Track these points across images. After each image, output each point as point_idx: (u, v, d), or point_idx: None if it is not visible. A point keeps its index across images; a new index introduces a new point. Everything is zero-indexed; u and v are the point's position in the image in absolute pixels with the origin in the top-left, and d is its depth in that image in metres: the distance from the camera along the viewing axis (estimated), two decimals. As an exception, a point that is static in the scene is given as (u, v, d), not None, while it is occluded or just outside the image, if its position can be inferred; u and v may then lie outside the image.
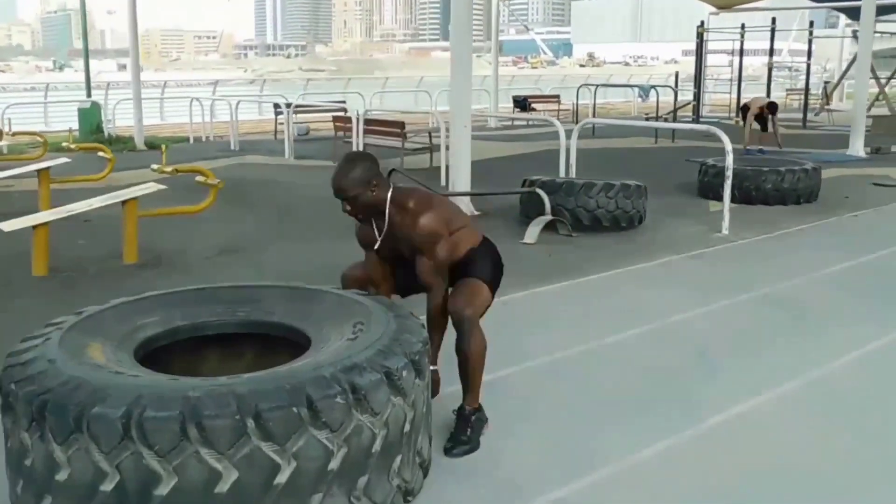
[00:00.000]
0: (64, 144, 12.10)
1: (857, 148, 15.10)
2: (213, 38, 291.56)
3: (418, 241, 3.84)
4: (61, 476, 2.72)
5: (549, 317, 5.93)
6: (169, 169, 8.29)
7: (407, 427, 3.09)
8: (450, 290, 3.99)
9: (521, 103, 22.66)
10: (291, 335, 3.61)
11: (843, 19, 28.09)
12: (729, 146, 8.58)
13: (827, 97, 24.53)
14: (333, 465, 2.83)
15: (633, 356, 5.10)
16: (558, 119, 19.48)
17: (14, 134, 15.81)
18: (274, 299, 3.82)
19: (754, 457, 3.76)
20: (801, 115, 21.87)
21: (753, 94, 20.43)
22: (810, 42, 22.63)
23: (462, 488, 3.45)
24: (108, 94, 21.40)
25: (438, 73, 33.34)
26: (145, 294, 3.86)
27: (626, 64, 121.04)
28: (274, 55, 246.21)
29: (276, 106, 19.45)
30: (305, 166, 14.00)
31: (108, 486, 2.67)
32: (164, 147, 10.70)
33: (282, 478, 2.73)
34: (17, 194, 10.42)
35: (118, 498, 2.68)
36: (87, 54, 20.78)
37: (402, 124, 13.19)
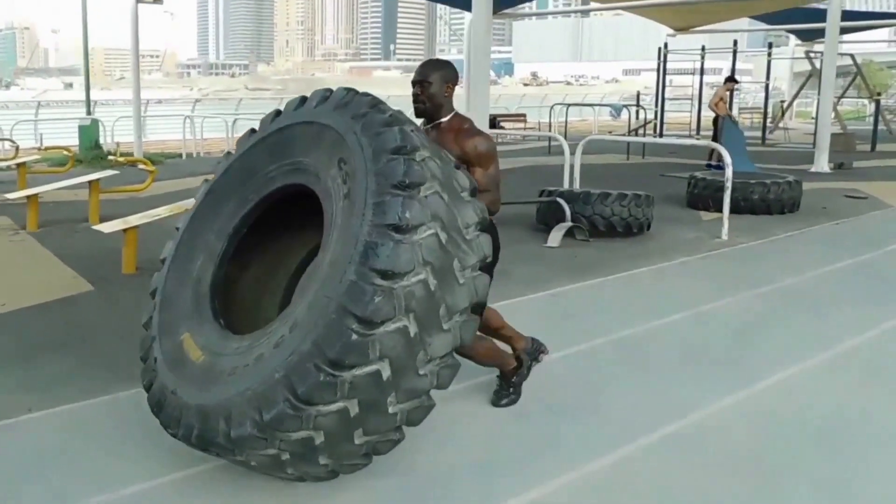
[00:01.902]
0: (111, 157, 12.71)
1: (822, 164, 16.17)
2: (156, 56, 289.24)
3: (473, 155, 4.08)
4: None
5: (595, 306, 6.78)
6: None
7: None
8: None
9: (492, 122, 23.48)
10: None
11: (793, 40, 29.42)
12: (728, 159, 9.44)
13: (782, 115, 25.80)
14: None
15: (679, 335, 5.97)
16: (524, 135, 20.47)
17: (46, 149, 16.42)
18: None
19: (808, 407, 4.64)
20: (758, 133, 23.03)
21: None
22: (769, 63, 23.85)
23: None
24: (96, 111, 21.79)
25: (383, 92, 34.06)
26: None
27: (568, 83, 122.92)
28: (217, 74, 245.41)
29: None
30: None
31: None
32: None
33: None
34: (65, 204, 11.01)
35: None
36: (87, 74, 21.19)
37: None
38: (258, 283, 4.41)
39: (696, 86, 23.27)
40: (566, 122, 22.29)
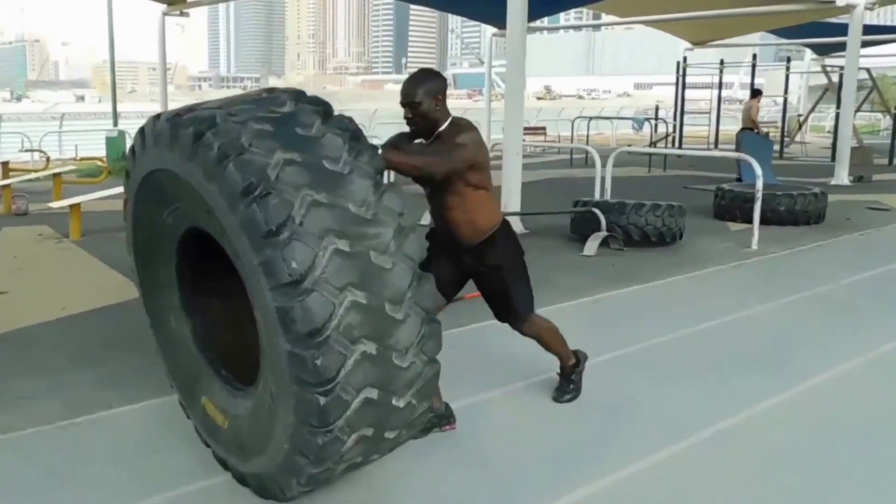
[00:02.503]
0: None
1: (842, 177, 16.36)
2: (168, 69, 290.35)
3: (448, 146, 4.00)
4: None
5: (638, 311, 6.99)
6: None
7: None
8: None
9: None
10: None
11: (808, 54, 29.62)
12: (759, 171, 9.63)
13: (798, 129, 25.97)
14: None
15: (722, 339, 6.20)
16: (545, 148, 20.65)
17: (81, 160, 16.68)
18: None
19: (850, 407, 4.85)
20: (776, 147, 23.18)
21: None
22: (787, 77, 24.05)
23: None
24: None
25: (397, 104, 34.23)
26: None
27: (580, 97, 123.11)
28: (228, 87, 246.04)
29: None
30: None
31: None
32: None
33: None
34: (104, 213, 11.27)
35: None
36: (114, 87, 21.66)
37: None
38: (227, 322, 4.12)
39: (712, 99, 23.50)
40: (587, 135, 22.54)
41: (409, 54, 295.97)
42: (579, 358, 4.87)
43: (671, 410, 4.73)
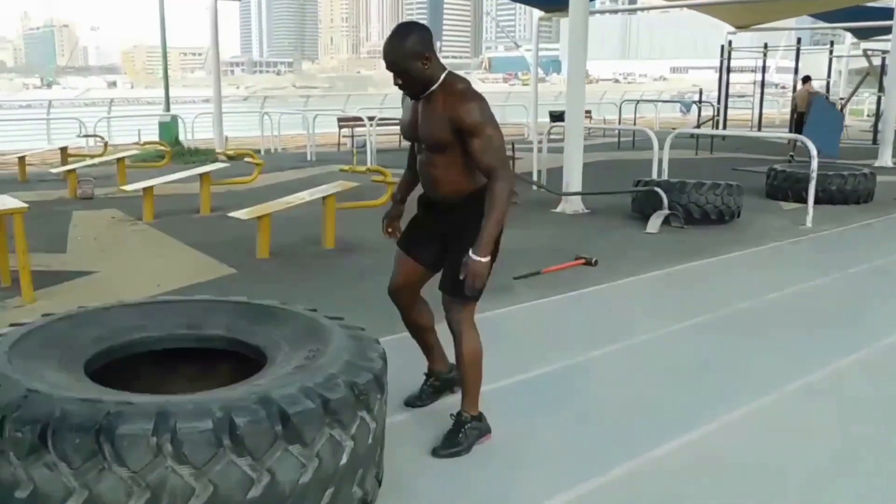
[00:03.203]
0: (218, 151, 13.50)
1: (886, 158, 16.64)
2: (199, 54, 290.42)
3: (468, 123, 3.59)
4: (21, 493, 2.70)
5: (708, 283, 7.45)
6: (362, 168, 9.75)
7: (342, 462, 3.01)
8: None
9: (558, 117, 24.08)
10: (244, 351, 3.66)
11: (848, 38, 29.71)
12: (814, 151, 10.02)
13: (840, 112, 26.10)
14: (305, 478, 2.87)
15: (791, 307, 6.65)
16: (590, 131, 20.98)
17: (144, 144, 17.24)
18: (226, 315, 3.85)
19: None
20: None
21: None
22: (830, 61, 24.23)
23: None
24: (112, 110, 22.56)
25: None
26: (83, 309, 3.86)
27: (616, 81, 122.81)
28: (261, 72, 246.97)
29: (340, 120, 20.91)
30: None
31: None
32: (354, 150, 12.15)
33: (255, 492, 2.77)
34: (172, 196, 11.81)
35: None
36: (166, 74, 22.16)
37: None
38: None
39: (755, 83, 23.67)
40: (634, 118, 22.91)
41: (443, 37, 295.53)
42: (481, 416, 4.02)
43: (753, 369, 5.16)
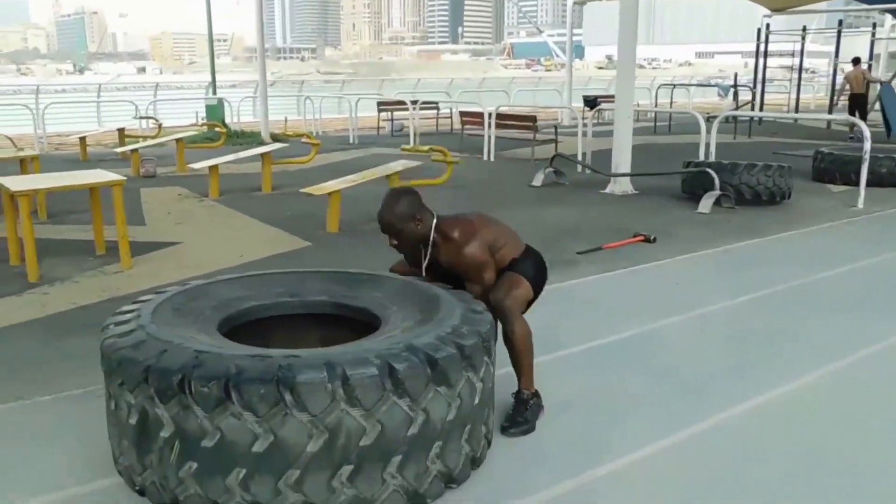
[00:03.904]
0: (277, 132, 13.82)
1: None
2: (224, 41, 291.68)
3: (464, 269, 3.96)
4: (208, 442, 2.99)
5: (765, 260, 7.61)
6: (425, 148, 9.97)
7: (477, 400, 3.38)
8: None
9: (592, 102, 24.17)
10: (363, 317, 3.91)
11: (888, 20, 29.51)
12: (867, 133, 10.12)
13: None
14: (450, 416, 3.21)
15: (848, 283, 6.82)
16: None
17: (203, 124, 17.68)
18: (349, 284, 4.15)
19: None
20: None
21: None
22: (872, 44, 24.08)
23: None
24: (156, 93, 22.87)
25: (454, 75, 34.85)
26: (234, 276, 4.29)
27: (641, 66, 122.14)
28: (284, 58, 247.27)
29: (380, 104, 21.12)
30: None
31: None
32: (393, 132, 12.33)
33: (414, 429, 3.09)
34: (236, 175, 12.10)
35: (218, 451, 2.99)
36: (212, 59, 22.47)
37: (534, 118, 14.82)
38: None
39: (793, 67, 23.62)
40: (670, 102, 22.99)
41: (465, 23, 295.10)
42: (537, 393, 4.15)
43: (815, 339, 5.35)
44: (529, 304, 4.10)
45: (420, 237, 3.96)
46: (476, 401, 3.36)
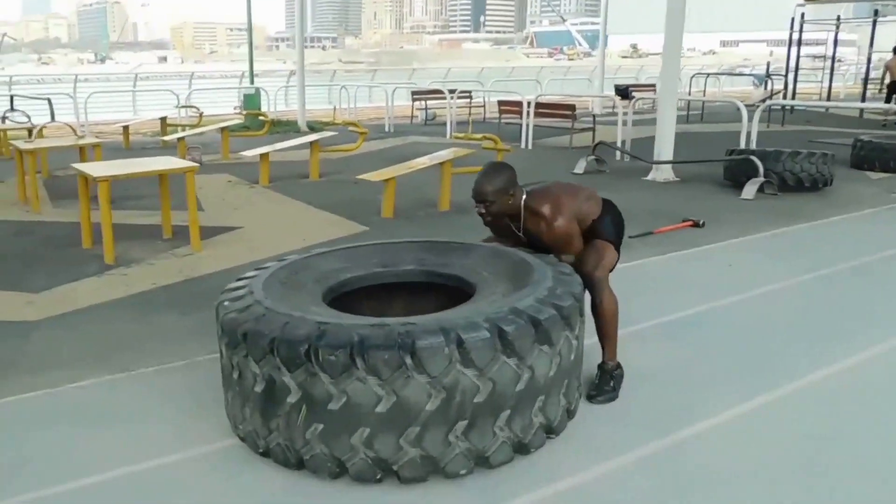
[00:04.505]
0: (325, 122, 14.07)
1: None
2: (244, 30, 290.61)
3: (552, 242, 4.18)
4: (334, 405, 3.23)
5: (816, 244, 7.82)
6: (478, 136, 10.22)
7: (573, 357, 3.66)
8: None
9: (623, 91, 24.29)
10: (457, 283, 4.14)
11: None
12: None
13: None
14: (552, 372, 3.47)
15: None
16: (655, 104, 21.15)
17: (245, 113, 18.07)
18: (439, 253, 4.40)
19: None
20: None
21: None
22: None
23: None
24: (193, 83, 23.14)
25: (476, 64, 34.77)
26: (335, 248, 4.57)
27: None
28: (305, 47, 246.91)
29: (414, 93, 21.33)
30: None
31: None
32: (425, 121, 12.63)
33: (521, 385, 3.35)
34: (281, 163, 12.36)
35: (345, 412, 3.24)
36: (251, 48, 22.84)
37: (573, 107, 15.03)
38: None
39: (826, 56, 23.62)
40: (704, 91, 23.12)
41: (488, 12, 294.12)
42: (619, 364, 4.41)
43: (878, 316, 5.57)
44: (614, 264, 4.35)
45: (511, 210, 4.19)
46: (572, 357, 3.63)
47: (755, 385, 4.34)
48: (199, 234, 7.54)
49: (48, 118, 15.60)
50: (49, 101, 16.20)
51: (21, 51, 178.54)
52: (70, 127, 15.21)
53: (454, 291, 4.09)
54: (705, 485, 3.37)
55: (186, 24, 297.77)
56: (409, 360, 3.14)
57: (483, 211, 4.19)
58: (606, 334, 4.27)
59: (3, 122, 15.18)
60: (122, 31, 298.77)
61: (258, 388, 3.40)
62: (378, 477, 3.33)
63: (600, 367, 4.31)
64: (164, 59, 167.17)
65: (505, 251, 4.21)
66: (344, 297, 4.17)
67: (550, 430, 3.59)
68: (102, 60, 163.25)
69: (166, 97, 22.46)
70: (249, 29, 22.65)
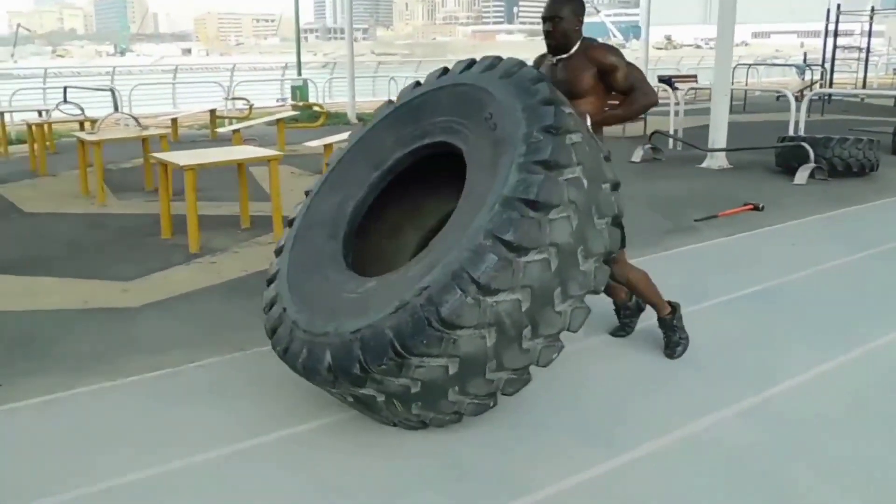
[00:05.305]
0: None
1: None
2: (272, 21, 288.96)
3: (608, 64, 4.27)
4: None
5: (870, 223, 8.51)
6: None
7: (586, 186, 3.48)
8: None
9: (667, 82, 24.89)
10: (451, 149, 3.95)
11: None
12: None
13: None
14: (554, 265, 3.34)
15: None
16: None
17: (303, 105, 18.64)
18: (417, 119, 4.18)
19: None
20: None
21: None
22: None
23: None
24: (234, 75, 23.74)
25: (522, 55, 35.06)
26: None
27: (698, 46, 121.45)
28: (335, 39, 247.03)
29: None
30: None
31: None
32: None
33: (525, 303, 3.32)
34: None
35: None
36: (298, 39, 23.49)
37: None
38: (391, 237, 4.63)
39: (860, 47, 24.10)
40: (746, 81, 23.73)
41: (521, 3, 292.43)
42: (675, 307, 4.86)
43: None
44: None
45: (571, 38, 4.32)
46: (585, 186, 3.48)
47: (831, 348, 4.95)
48: (282, 222, 7.53)
49: (100, 111, 15.55)
50: (112, 91, 16.56)
51: (35, 42, 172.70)
52: (133, 118, 15.79)
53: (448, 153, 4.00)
54: (799, 433, 3.91)
55: (210, 14, 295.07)
56: (443, 329, 3.21)
57: (550, 28, 4.30)
58: (649, 299, 4.74)
59: (43, 114, 14.94)
60: (143, 22, 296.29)
61: (350, 400, 3.70)
62: (492, 404, 3.62)
63: (660, 322, 4.81)
64: (189, 51, 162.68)
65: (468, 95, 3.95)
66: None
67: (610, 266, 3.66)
68: (122, 53, 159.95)
69: (206, 89, 23.00)
70: (297, 20, 23.39)
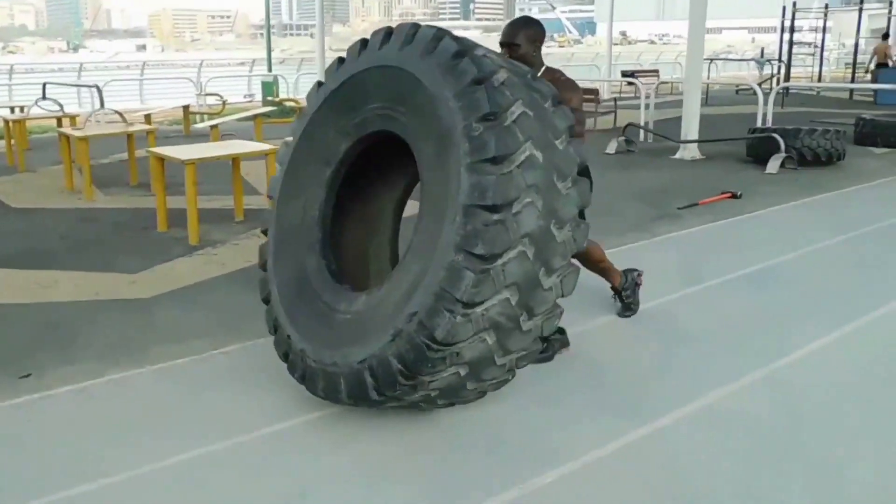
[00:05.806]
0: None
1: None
2: (227, 17, 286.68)
3: (567, 93, 4.16)
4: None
5: (843, 209, 8.89)
6: None
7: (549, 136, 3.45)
8: None
9: (631, 76, 25.24)
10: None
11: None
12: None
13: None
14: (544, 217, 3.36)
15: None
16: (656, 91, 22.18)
17: (280, 101, 18.67)
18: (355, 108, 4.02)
19: None
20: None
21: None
22: (889, 20, 25.34)
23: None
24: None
25: None
26: None
27: (653, 42, 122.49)
28: (291, 35, 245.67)
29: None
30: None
31: None
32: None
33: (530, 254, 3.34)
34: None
35: None
36: (268, 36, 23.53)
37: (596, 91, 16.01)
38: (364, 231, 4.58)
39: (814, 42, 24.67)
40: (707, 75, 24.18)
41: (477, 0, 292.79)
42: (626, 274, 5.27)
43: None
44: None
45: (531, 62, 4.30)
46: (548, 136, 3.45)
47: (832, 321, 5.25)
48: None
49: (74, 107, 15.53)
50: (98, 88, 16.50)
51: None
52: (119, 114, 15.76)
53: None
54: (810, 401, 4.18)
55: (165, 11, 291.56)
56: (443, 348, 3.28)
57: (507, 55, 4.23)
58: (602, 270, 5.09)
59: (21, 111, 14.86)
60: (96, 18, 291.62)
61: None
62: (511, 377, 3.74)
63: (613, 291, 5.26)
64: (143, 47, 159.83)
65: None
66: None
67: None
68: (75, 49, 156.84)
69: (173, 85, 22.95)
70: (267, 17, 23.47)
